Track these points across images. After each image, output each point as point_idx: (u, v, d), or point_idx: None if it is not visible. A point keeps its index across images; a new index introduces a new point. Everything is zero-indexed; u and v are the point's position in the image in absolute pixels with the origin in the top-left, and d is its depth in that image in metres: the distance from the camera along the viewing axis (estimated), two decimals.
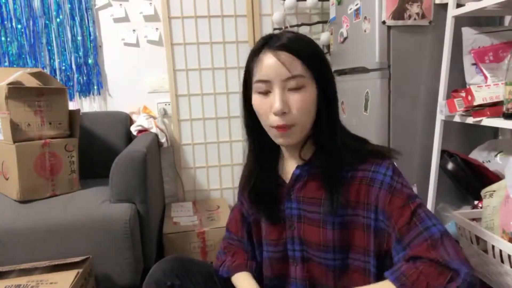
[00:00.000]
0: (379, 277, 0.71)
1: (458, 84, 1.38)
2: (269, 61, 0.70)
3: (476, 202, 1.30)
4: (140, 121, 2.11)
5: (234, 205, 0.97)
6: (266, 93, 0.71)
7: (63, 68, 2.15)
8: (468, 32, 1.34)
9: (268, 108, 0.71)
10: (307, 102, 0.71)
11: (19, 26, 2.07)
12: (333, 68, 1.88)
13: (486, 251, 1.05)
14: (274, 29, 2.25)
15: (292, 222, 0.81)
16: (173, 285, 0.82)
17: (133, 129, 2.08)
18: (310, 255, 0.79)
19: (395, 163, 0.75)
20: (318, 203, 0.76)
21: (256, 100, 0.73)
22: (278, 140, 0.74)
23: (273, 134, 0.74)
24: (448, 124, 1.38)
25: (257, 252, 0.91)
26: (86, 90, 2.19)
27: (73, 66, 2.15)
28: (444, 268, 0.61)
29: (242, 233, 0.94)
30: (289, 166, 0.82)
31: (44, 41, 2.11)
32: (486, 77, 1.29)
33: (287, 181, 0.81)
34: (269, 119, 0.72)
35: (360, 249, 0.75)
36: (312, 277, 0.80)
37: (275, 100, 0.69)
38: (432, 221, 0.67)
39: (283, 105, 0.69)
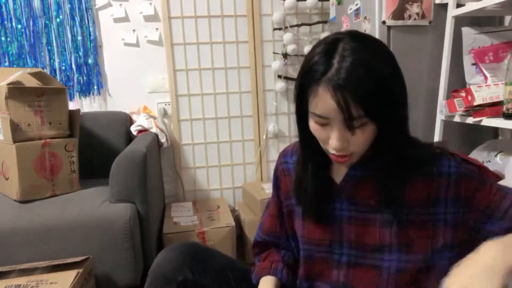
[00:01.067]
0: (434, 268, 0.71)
1: (458, 84, 1.38)
2: (327, 101, 0.61)
3: None
4: (140, 121, 2.11)
5: (268, 201, 0.94)
6: (323, 125, 0.65)
7: (63, 68, 2.15)
8: (468, 32, 1.34)
9: (326, 137, 0.66)
10: (368, 138, 0.65)
11: (19, 26, 2.07)
12: None
13: None
14: (274, 29, 2.25)
15: (341, 224, 0.76)
16: (185, 280, 0.78)
17: (133, 129, 2.08)
18: (359, 259, 0.75)
19: (455, 153, 0.73)
20: (373, 204, 0.72)
21: (313, 126, 0.67)
22: (335, 162, 0.70)
23: (330, 156, 0.70)
24: (448, 124, 1.38)
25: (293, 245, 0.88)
26: (86, 90, 2.19)
27: (73, 66, 2.15)
28: None
29: (280, 229, 0.89)
30: (339, 166, 0.76)
31: (44, 41, 2.11)
32: (486, 77, 1.29)
33: (338, 181, 0.77)
34: (326, 146, 0.67)
35: (420, 248, 0.71)
36: (356, 284, 0.76)
37: (334, 138, 0.64)
38: (508, 189, 0.71)
39: (342, 144, 0.64)
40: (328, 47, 0.63)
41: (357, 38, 0.63)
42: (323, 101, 0.62)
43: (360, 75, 0.60)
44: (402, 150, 0.69)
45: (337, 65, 0.60)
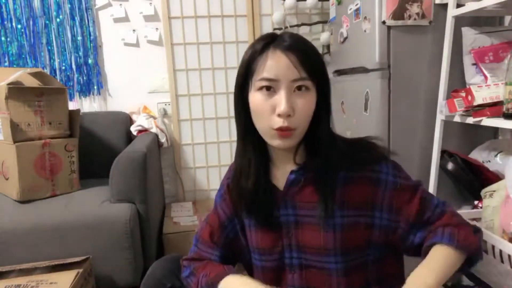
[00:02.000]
0: (380, 264, 0.77)
1: (458, 84, 1.38)
2: (279, 60, 0.68)
3: (476, 202, 1.30)
4: (140, 121, 2.11)
5: (207, 215, 0.90)
6: (269, 91, 0.69)
7: (63, 68, 2.15)
8: (468, 32, 1.34)
9: (270, 108, 0.68)
10: (310, 106, 0.70)
11: (19, 26, 2.07)
12: (333, 68, 1.88)
13: (486, 251, 1.05)
14: (274, 29, 2.25)
15: (289, 229, 0.78)
16: (173, 286, 0.81)
17: (133, 129, 2.08)
18: (309, 261, 0.77)
19: (391, 159, 0.77)
20: (315, 207, 0.74)
21: (257, 99, 0.70)
22: (276, 142, 0.71)
23: (271, 135, 0.71)
24: (448, 124, 1.38)
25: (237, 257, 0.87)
26: (86, 90, 2.19)
27: (73, 66, 2.15)
28: (469, 226, 0.75)
29: (218, 242, 0.84)
30: (280, 172, 0.79)
31: (44, 41, 2.11)
32: (486, 77, 1.29)
33: (280, 187, 0.78)
34: (271, 120, 0.69)
35: (361, 247, 0.75)
36: (311, 284, 0.78)
37: (282, 101, 0.67)
38: (436, 199, 0.77)
39: (289, 107, 0.67)
40: (267, 34, 0.73)
41: (293, 34, 0.73)
42: (273, 62, 0.68)
43: (304, 43, 0.71)
44: (336, 142, 0.74)
45: (281, 36, 0.71)
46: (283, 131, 0.68)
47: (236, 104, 0.75)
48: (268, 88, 0.68)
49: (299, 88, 0.68)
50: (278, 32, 0.75)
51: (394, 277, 0.79)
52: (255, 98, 0.70)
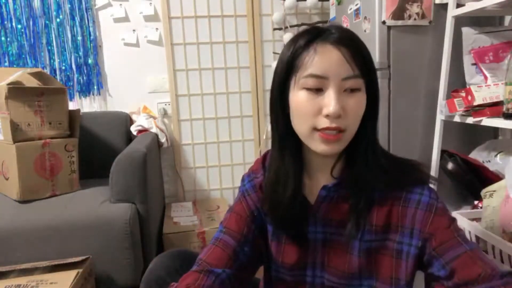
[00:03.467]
0: None
1: (458, 84, 1.38)
2: (329, 55, 0.60)
3: (476, 202, 1.30)
4: (140, 121, 2.11)
5: (230, 207, 0.84)
6: (317, 90, 0.61)
7: (63, 68, 2.15)
8: (468, 32, 1.34)
9: (317, 108, 0.61)
10: (361, 107, 0.63)
11: (19, 26, 2.07)
12: None
13: (486, 251, 1.05)
14: (274, 29, 2.25)
15: (316, 247, 0.72)
16: (173, 282, 0.80)
17: (133, 129, 2.08)
18: (332, 283, 0.72)
19: (431, 187, 0.68)
20: (345, 226, 0.68)
21: (301, 98, 0.62)
22: (320, 147, 0.63)
23: (315, 139, 0.63)
24: (448, 124, 1.38)
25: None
26: (86, 90, 2.19)
27: (73, 66, 2.15)
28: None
29: (247, 232, 0.76)
30: (314, 184, 0.72)
31: (44, 41, 2.11)
32: (486, 77, 1.29)
33: (311, 200, 0.72)
34: (316, 121, 0.62)
35: (387, 278, 0.68)
36: None
37: (331, 101, 0.60)
38: (469, 240, 0.65)
39: (339, 107, 0.60)
40: (311, 28, 0.65)
41: (342, 27, 0.66)
42: (323, 57, 0.60)
43: (353, 35, 0.63)
44: (377, 157, 0.67)
45: (329, 29, 0.62)
46: (329, 135, 0.62)
47: (274, 105, 0.68)
48: (316, 85, 0.61)
49: (350, 88, 0.62)
50: (322, 25, 0.67)
51: None
52: (298, 97, 0.63)
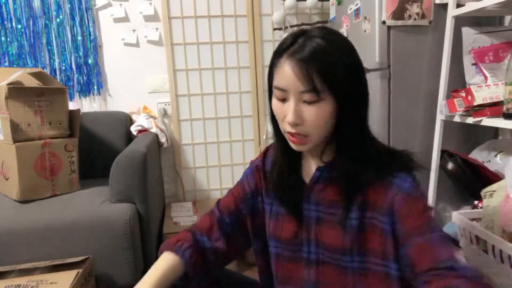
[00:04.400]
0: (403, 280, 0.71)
1: (458, 84, 1.38)
2: (287, 71, 0.68)
3: (476, 202, 1.30)
4: (140, 121, 2.11)
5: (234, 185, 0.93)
6: (283, 100, 0.71)
7: (63, 68, 2.15)
8: (468, 32, 1.34)
9: (283, 115, 0.71)
10: (321, 116, 0.69)
11: (19, 26, 2.07)
12: None
13: (486, 251, 1.05)
14: (274, 29, 2.25)
15: (309, 224, 0.79)
16: (174, 286, 0.81)
17: (133, 129, 2.08)
18: (327, 258, 0.77)
19: (415, 176, 0.73)
20: (337, 205, 0.75)
21: (274, 104, 0.73)
22: (292, 146, 0.74)
23: (287, 138, 0.74)
24: (448, 124, 1.38)
25: (255, 245, 0.89)
26: (86, 90, 2.19)
27: (73, 66, 2.15)
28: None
29: (238, 209, 0.87)
30: (310, 167, 0.81)
31: (44, 41, 2.11)
32: (486, 77, 1.29)
33: (307, 181, 0.80)
34: (284, 125, 0.72)
35: (379, 253, 0.72)
36: (326, 281, 0.78)
37: (289, 111, 0.69)
38: (442, 232, 0.69)
39: (296, 117, 0.68)
40: (300, 30, 0.72)
41: (325, 29, 0.71)
42: (284, 71, 0.68)
43: (323, 51, 0.67)
44: (365, 147, 0.73)
45: (301, 42, 0.68)
46: (293, 137, 0.71)
47: (269, 100, 0.78)
48: (281, 96, 0.71)
49: (308, 99, 0.68)
50: (307, 28, 0.73)
51: None
52: (273, 103, 0.74)
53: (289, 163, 0.80)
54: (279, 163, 0.82)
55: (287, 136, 0.73)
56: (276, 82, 0.71)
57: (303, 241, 0.80)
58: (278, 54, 0.71)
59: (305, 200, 0.80)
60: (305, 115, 0.69)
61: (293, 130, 0.70)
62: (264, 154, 0.91)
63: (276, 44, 2.24)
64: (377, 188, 0.72)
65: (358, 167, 0.72)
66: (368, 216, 0.73)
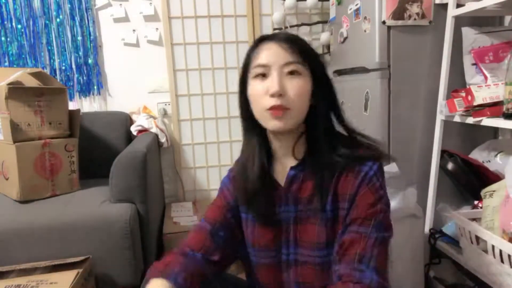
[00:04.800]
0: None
1: (458, 84, 1.38)
2: (270, 47, 0.74)
3: (476, 202, 1.30)
4: (140, 121, 2.11)
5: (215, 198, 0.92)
6: (263, 76, 0.74)
7: (63, 68, 2.15)
8: (468, 32, 1.34)
9: (265, 90, 0.73)
10: (303, 88, 0.74)
11: (19, 26, 2.07)
12: (333, 68, 1.88)
13: (486, 251, 1.05)
14: (274, 29, 2.25)
15: (288, 225, 0.80)
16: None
17: (133, 129, 2.08)
18: (304, 256, 0.78)
19: (382, 164, 0.77)
20: (314, 201, 0.77)
21: (253, 85, 0.76)
22: (271, 123, 0.74)
23: (267, 117, 0.74)
24: (448, 124, 1.38)
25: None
26: (86, 90, 2.19)
27: (73, 66, 2.15)
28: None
29: (223, 220, 0.84)
30: (282, 168, 0.81)
31: (44, 41, 2.11)
32: (486, 77, 1.29)
33: (281, 182, 0.80)
34: (265, 102, 0.73)
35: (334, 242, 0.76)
36: (306, 280, 0.79)
37: (273, 81, 0.72)
38: (382, 230, 0.71)
39: (280, 86, 0.71)
40: (261, 36, 0.79)
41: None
42: (265, 49, 0.74)
43: (296, 37, 0.77)
44: (332, 130, 0.78)
45: (276, 34, 0.78)
46: (276, 110, 0.72)
47: (239, 98, 0.81)
48: (262, 74, 0.74)
49: (291, 72, 0.73)
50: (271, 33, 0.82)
51: None
52: (252, 85, 0.76)
53: (261, 164, 0.80)
54: (250, 165, 0.80)
55: (267, 114, 0.73)
56: (256, 62, 0.75)
57: (281, 244, 0.80)
58: (254, 46, 0.77)
59: (282, 203, 0.80)
60: (287, 87, 0.72)
61: (276, 102, 0.71)
62: (231, 171, 0.90)
63: None
64: (348, 177, 0.74)
65: (329, 158, 0.75)
66: (341, 206, 0.75)
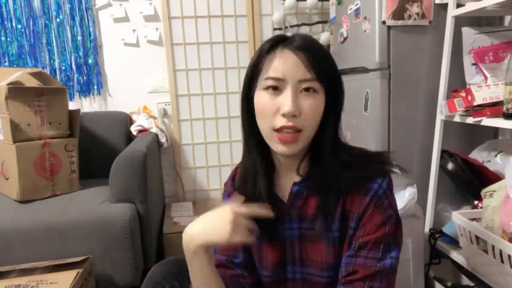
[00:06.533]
0: None
1: (458, 84, 1.38)
2: (287, 59, 0.65)
3: (476, 202, 1.30)
4: (140, 121, 2.11)
5: None
6: (275, 90, 0.65)
7: (63, 68, 2.15)
8: (468, 32, 1.34)
9: (275, 108, 0.65)
10: (318, 108, 0.66)
11: (19, 26, 2.07)
12: None
13: (486, 251, 1.05)
14: (274, 29, 2.25)
15: (292, 243, 0.75)
16: (172, 287, 0.82)
17: (133, 129, 2.08)
18: (312, 276, 0.75)
19: (391, 179, 0.72)
20: (319, 219, 0.72)
21: (262, 98, 0.66)
22: (278, 147, 0.67)
23: (273, 139, 0.67)
24: (448, 124, 1.38)
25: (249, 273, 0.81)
26: (86, 90, 2.19)
27: (73, 66, 2.15)
28: None
29: (237, 251, 0.81)
30: (284, 182, 0.75)
31: (44, 41, 2.11)
32: (486, 77, 1.29)
33: (284, 198, 0.75)
34: (274, 121, 0.65)
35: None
36: None
37: (287, 100, 0.63)
38: (391, 253, 0.68)
39: (295, 107, 0.63)
40: (276, 36, 0.70)
41: (305, 35, 0.70)
42: (280, 61, 0.65)
43: (313, 43, 0.67)
44: (340, 153, 0.70)
45: (292, 37, 0.68)
46: (286, 136, 0.65)
47: (242, 106, 0.72)
48: (274, 87, 0.65)
49: (306, 89, 0.65)
50: (288, 34, 0.72)
51: None
52: (260, 97, 0.67)
53: (264, 179, 0.73)
54: (251, 180, 0.74)
55: (274, 136, 0.66)
56: (270, 73, 0.65)
57: (287, 262, 0.77)
58: (267, 50, 0.67)
59: (286, 219, 0.75)
60: (303, 106, 0.65)
61: (289, 123, 0.64)
62: (233, 178, 0.83)
63: None
64: (355, 196, 0.69)
65: (335, 175, 0.69)
66: (349, 225, 0.70)
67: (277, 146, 0.67)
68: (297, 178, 0.73)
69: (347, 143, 0.75)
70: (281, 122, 0.65)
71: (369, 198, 0.68)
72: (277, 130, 0.65)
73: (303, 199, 0.73)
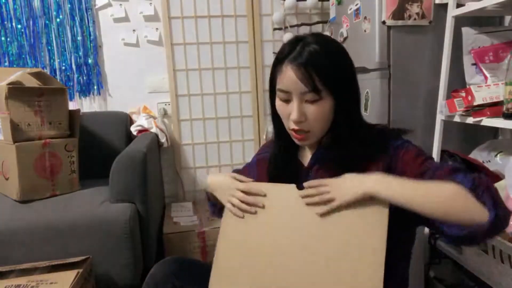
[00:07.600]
0: None
1: (458, 84, 1.38)
2: (289, 75, 0.76)
3: None
4: (140, 121, 2.11)
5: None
6: (286, 101, 0.78)
7: (63, 68, 2.15)
8: (468, 32, 1.34)
9: (288, 113, 0.78)
10: (323, 113, 0.77)
11: (19, 26, 2.07)
12: None
13: (486, 251, 1.05)
14: (274, 29, 2.25)
15: None
16: (174, 286, 0.83)
17: (133, 129, 2.08)
18: None
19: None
20: None
21: (278, 104, 0.81)
22: (296, 141, 0.82)
23: (292, 134, 0.82)
24: (448, 124, 1.38)
25: None
26: (86, 90, 2.19)
27: (73, 66, 2.15)
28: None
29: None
30: (307, 151, 0.88)
31: (44, 41, 2.11)
32: (486, 77, 1.29)
33: (305, 163, 0.86)
34: (288, 122, 0.80)
35: None
36: None
37: (294, 110, 0.77)
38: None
39: (300, 115, 0.76)
40: (296, 38, 0.80)
41: (318, 35, 0.80)
42: (286, 75, 0.76)
43: (320, 55, 0.75)
44: (358, 129, 0.80)
45: (299, 49, 0.76)
46: (297, 134, 0.79)
47: (270, 100, 0.85)
48: (284, 97, 0.78)
49: (310, 98, 0.75)
50: (303, 35, 0.80)
51: None
52: (277, 103, 0.82)
53: (287, 155, 0.88)
54: (279, 156, 0.89)
55: (291, 133, 0.81)
56: (279, 85, 0.78)
57: None
58: (278, 61, 0.79)
59: (303, 181, 0.81)
60: (307, 113, 0.77)
61: (297, 127, 0.78)
62: (263, 148, 0.99)
63: (276, 44, 2.25)
64: (377, 161, 0.77)
65: (353, 151, 0.78)
66: None
67: (294, 139, 0.82)
68: (319, 148, 0.85)
69: (367, 122, 0.84)
70: (292, 125, 0.79)
71: (392, 151, 0.76)
72: (291, 130, 0.80)
73: (320, 165, 0.83)
